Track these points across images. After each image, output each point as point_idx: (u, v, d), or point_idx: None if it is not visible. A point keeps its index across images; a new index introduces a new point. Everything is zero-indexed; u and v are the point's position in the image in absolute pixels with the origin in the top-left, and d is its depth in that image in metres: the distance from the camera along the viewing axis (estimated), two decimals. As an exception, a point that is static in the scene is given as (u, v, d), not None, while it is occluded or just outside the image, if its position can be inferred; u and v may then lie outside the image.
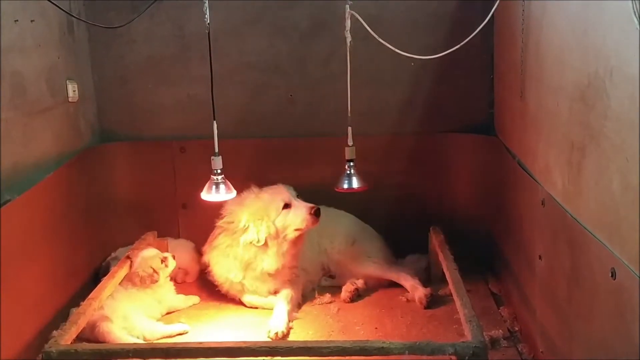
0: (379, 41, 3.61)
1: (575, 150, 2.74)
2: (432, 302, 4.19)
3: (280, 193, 4.21)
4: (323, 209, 4.70)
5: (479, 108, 4.73)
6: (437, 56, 3.71)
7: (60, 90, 4.26)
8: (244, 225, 4.14)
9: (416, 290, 4.25)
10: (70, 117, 4.40)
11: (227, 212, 4.28)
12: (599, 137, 2.46)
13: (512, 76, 3.94)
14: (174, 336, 3.89)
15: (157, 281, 4.10)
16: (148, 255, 4.16)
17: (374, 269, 4.50)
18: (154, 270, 4.09)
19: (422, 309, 4.16)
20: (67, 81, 4.35)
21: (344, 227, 4.64)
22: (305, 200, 4.68)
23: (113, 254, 4.61)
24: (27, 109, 3.82)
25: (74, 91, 4.39)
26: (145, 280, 4.06)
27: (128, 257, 4.14)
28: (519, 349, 3.63)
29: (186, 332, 3.92)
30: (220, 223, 4.30)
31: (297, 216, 4.14)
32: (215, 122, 3.66)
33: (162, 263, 4.15)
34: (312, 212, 4.11)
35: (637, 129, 2.10)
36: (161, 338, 3.85)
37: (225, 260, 4.24)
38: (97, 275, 4.51)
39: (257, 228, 4.13)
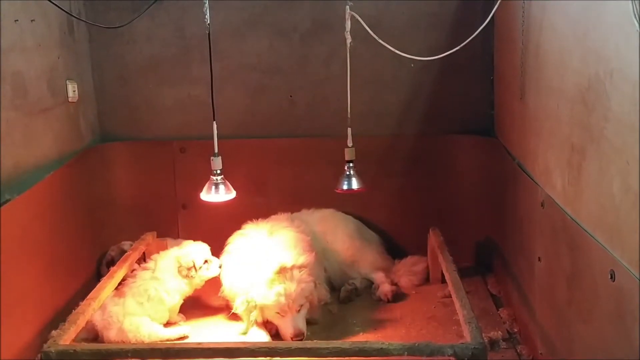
0: (379, 42, 3.61)
1: (576, 152, 2.75)
2: (428, 302, 4.23)
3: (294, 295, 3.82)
4: (325, 212, 4.73)
5: (479, 109, 4.73)
6: (437, 57, 3.71)
7: (60, 90, 4.26)
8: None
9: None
10: (70, 117, 4.40)
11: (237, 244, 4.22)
12: (599, 139, 2.47)
13: (512, 78, 3.94)
14: (173, 340, 3.87)
15: (192, 277, 4.06)
16: (195, 249, 4.15)
17: (366, 273, 4.54)
18: (194, 266, 4.07)
19: (387, 301, 4.29)
20: (67, 81, 4.35)
21: (345, 232, 4.64)
22: (307, 202, 4.70)
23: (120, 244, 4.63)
24: (27, 109, 3.82)
25: (74, 91, 4.39)
26: (181, 272, 4.05)
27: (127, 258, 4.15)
28: (518, 351, 3.63)
29: (186, 337, 3.90)
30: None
31: (283, 326, 3.84)
32: (215, 122, 3.66)
33: (204, 263, 4.10)
34: (292, 339, 3.76)
35: (637, 131, 2.10)
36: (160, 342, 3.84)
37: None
38: (100, 270, 4.56)
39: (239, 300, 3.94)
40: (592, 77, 2.53)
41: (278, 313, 3.81)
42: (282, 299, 3.76)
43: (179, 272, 4.05)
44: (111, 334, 3.77)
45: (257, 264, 3.92)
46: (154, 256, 4.18)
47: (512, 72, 3.91)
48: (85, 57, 4.70)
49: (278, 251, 3.98)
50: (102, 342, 3.75)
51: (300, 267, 3.86)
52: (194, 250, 4.13)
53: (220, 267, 4.15)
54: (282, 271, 3.81)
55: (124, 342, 3.74)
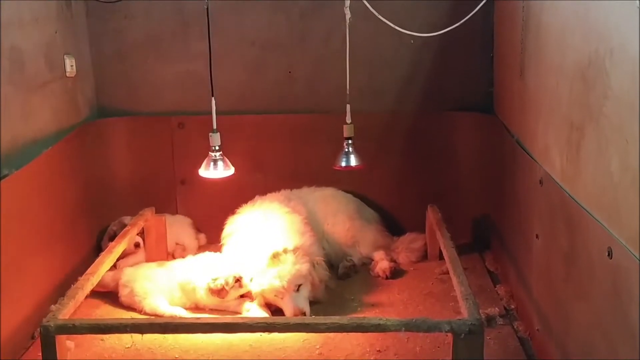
0: (379, 18, 3.59)
1: (575, 130, 2.74)
2: (426, 278, 4.27)
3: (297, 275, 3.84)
4: (325, 191, 4.74)
5: (478, 87, 4.72)
6: (436, 34, 3.70)
7: (58, 65, 4.24)
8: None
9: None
10: (68, 92, 4.39)
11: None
12: (598, 117, 2.46)
13: (512, 55, 3.92)
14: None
15: (223, 297, 3.90)
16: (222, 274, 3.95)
17: (366, 253, 4.57)
18: (223, 287, 3.90)
19: (385, 278, 4.31)
20: (65, 56, 4.33)
21: (345, 214, 4.65)
22: (305, 178, 4.70)
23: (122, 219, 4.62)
24: (25, 84, 3.81)
25: (71, 66, 4.37)
26: (213, 292, 3.90)
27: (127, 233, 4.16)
28: (515, 327, 3.65)
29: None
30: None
31: (284, 307, 3.83)
32: (213, 98, 3.65)
33: (235, 282, 3.93)
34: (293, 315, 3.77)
35: (636, 110, 2.09)
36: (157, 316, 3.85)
37: None
38: (101, 245, 4.58)
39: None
40: (592, 55, 2.52)
41: (277, 296, 3.83)
42: (276, 282, 3.78)
43: (211, 293, 3.90)
44: (124, 293, 3.98)
45: (252, 255, 3.95)
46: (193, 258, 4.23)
47: (512, 50, 3.89)
48: (83, 32, 4.67)
49: (271, 238, 4.00)
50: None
51: (294, 249, 3.88)
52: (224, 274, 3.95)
53: (251, 280, 3.96)
54: (275, 257, 3.83)
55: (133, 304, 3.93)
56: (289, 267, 3.80)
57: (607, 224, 2.39)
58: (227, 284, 3.87)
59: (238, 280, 3.93)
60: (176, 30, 4.74)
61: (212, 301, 3.92)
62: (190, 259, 4.22)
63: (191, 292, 3.97)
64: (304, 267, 3.86)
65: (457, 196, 4.81)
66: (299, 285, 3.82)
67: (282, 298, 3.81)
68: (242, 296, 3.95)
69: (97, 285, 3.90)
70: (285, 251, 3.84)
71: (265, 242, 3.97)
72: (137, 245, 4.42)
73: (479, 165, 4.74)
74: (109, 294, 4.08)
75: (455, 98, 4.77)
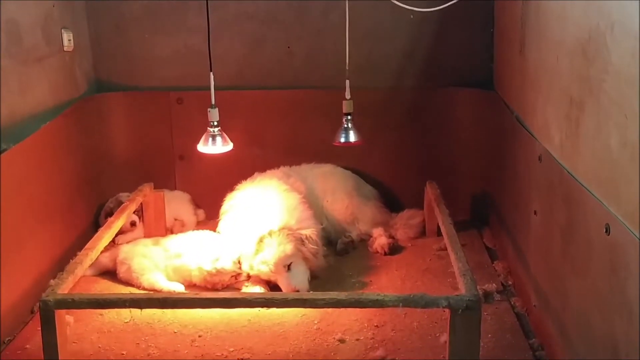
0: (379, -7, 3.57)
1: (574, 106, 2.73)
2: (424, 254, 4.28)
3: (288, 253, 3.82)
4: (324, 168, 4.73)
5: (478, 62, 4.70)
6: (437, 9, 3.68)
7: (55, 39, 4.21)
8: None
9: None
10: (66, 67, 4.36)
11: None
12: (598, 92, 2.45)
13: (512, 30, 3.90)
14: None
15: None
16: (222, 268, 3.91)
17: (365, 230, 4.57)
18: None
19: (383, 255, 4.31)
20: (63, 30, 4.30)
21: (344, 191, 4.65)
22: (304, 154, 4.70)
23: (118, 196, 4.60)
24: (23, 58, 3.79)
25: (69, 40, 4.34)
26: (208, 282, 3.91)
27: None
28: (512, 303, 3.66)
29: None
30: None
31: (281, 287, 3.82)
32: (212, 73, 3.63)
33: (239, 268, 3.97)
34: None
35: (637, 85, 2.08)
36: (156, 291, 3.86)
37: None
38: (99, 221, 4.57)
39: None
40: (592, 30, 2.50)
41: (270, 278, 3.83)
42: (263, 267, 3.78)
43: (204, 278, 3.90)
44: (122, 270, 3.99)
45: (245, 236, 3.94)
46: (191, 234, 4.23)
47: (513, 25, 3.87)
48: (81, 6, 4.64)
49: (265, 219, 3.98)
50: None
51: (280, 230, 3.85)
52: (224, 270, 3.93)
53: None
54: (261, 241, 3.83)
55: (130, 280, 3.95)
56: (273, 251, 3.78)
57: (605, 201, 2.39)
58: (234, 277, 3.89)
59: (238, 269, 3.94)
60: (174, 4, 4.70)
61: (206, 283, 3.93)
62: (179, 239, 4.18)
63: (187, 275, 3.96)
64: (288, 247, 3.81)
65: (455, 172, 4.81)
66: (289, 265, 3.81)
67: (275, 280, 3.82)
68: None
69: (94, 267, 3.98)
70: (270, 234, 3.83)
71: (259, 223, 3.95)
72: (133, 223, 4.42)
73: (478, 141, 4.73)
74: (107, 270, 4.09)
75: (454, 74, 4.75)
